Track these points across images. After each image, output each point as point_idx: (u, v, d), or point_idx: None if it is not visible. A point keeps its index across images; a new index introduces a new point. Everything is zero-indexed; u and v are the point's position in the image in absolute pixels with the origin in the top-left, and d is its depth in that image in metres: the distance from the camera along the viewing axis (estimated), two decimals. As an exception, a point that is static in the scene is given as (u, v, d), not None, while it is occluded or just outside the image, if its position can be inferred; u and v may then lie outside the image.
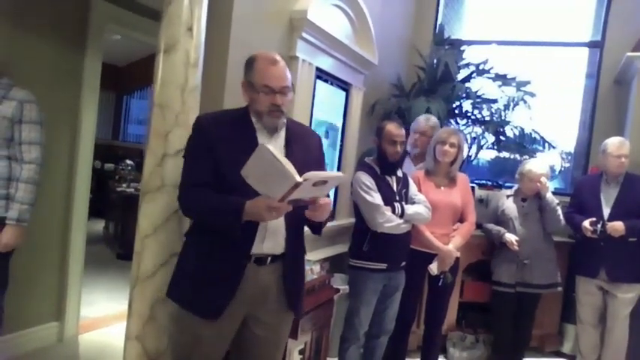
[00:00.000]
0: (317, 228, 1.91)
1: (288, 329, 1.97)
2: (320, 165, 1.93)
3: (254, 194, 1.60)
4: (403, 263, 2.77)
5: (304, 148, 1.84)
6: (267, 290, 1.80)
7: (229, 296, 1.72)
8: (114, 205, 5.95)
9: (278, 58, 1.78)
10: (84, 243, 3.17)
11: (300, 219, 1.82)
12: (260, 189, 1.59)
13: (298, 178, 1.49)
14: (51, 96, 2.79)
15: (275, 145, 1.75)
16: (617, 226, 3.15)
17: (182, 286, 1.80)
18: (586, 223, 3.23)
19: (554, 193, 3.55)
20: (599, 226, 3.19)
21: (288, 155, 1.70)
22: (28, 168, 2.32)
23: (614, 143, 3.29)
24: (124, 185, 5.95)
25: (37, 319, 2.95)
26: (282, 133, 1.83)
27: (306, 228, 1.94)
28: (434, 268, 2.92)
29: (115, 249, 5.58)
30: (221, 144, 1.72)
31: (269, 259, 1.79)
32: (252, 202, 1.60)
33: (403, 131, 2.72)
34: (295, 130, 1.88)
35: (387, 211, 2.62)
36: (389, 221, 2.61)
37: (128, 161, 6.56)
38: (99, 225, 6.35)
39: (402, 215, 2.65)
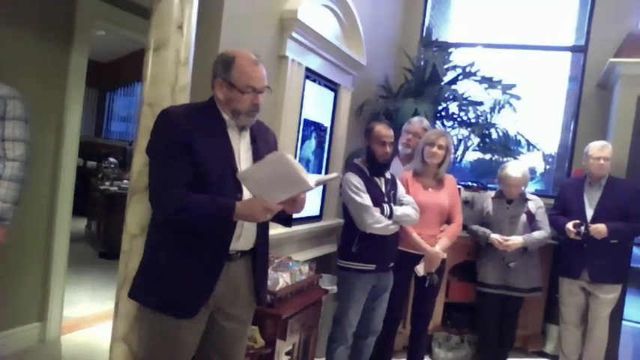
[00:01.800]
0: (288, 220, 1.93)
1: (251, 319, 2.00)
2: None
3: (232, 191, 1.60)
4: (392, 264, 2.78)
5: (266, 145, 1.87)
6: (237, 285, 1.82)
7: (206, 295, 1.72)
8: (96, 204, 5.88)
9: (256, 57, 1.78)
10: (68, 242, 3.12)
11: None
12: (257, 191, 1.59)
13: (312, 184, 1.52)
14: (36, 92, 2.73)
15: (243, 143, 1.79)
16: (600, 229, 3.20)
17: (152, 287, 1.75)
18: (569, 226, 3.29)
19: (536, 194, 3.61)
20: (582, 228, 3.24)
21: (255, 152, 1.76)
22: (12, 165, 2.27)
23: (595, 146, 3.36)
24: (107, 183, 5.88)
25: (19, 319, 2.88)
26: (248, 133, 1.84)
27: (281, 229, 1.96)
28: (420, 269, 2.94)
29: (98, 248, 5.51)
30: (195, 139, 1.68)
31: (239, 254, 1.80)
32: (246, 204, 1.60)
33: (392, 132, 2.74)
34: (257, 128, 1.90)
35: (376, 212, 2.63)
36: (378, 222, 2.62)
37: (111, 159, 6.49)
38: (81, 223, 6.26)
39: (390, 216, 2.66)
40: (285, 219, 1.91)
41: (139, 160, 1.98)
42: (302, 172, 1.51)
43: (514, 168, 3.37)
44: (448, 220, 3.07)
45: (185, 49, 2.01)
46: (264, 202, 1.58)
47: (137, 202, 1.97)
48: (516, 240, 3.25)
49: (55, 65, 2.89)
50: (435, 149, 2.93)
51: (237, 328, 1.89)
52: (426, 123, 3.35)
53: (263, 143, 1.85)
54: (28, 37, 2.70)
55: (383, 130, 2.72)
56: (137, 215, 1.97)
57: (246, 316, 1.93)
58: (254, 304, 1.94)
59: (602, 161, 3.30)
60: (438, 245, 2.96)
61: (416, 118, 3.40)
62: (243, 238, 1.78)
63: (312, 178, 1.56)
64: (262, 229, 1.86)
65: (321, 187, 3.47)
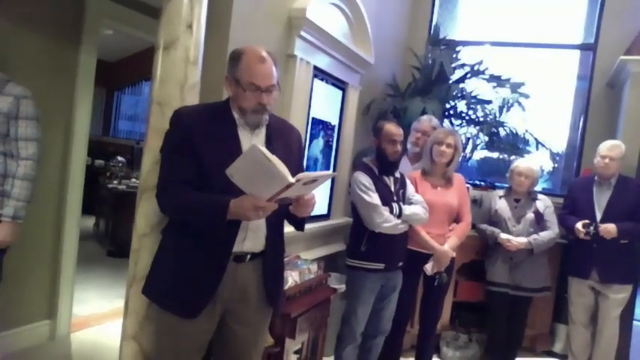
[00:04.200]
0: (300, 223, 1.89)
1: (266, 326, 1.96)
2: (300, 160, 1.92)
3: (237, 191, 1.56)
4: (400, 263, 2.77)
5: (285, 144, 1.81)
6: (245, 288, 1.78)
7: (209, 295, 1.70)
8: (104, 202, 5.90)
9: (265, 55, 1.74)
10: (77, 240, 3.13)
11: (281, 216, 1.81)
12: (246, 188, 1.55)
13: (291, 179, 1.46)
14: (45, 92, 2.74)
15: (256, 141, 1.73)
16: (610, 228, 3.18)
17: (160, 284, 1.77)
18: (579, 225, 3.26)
19: (544, 193, 3.60)
20: (591, 228, 3.22)
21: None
22: (25, 164, 2.28)
23: (605, 144, 3.34)
24: (115, 182, 5.90)
25: (29, 317, 2.90)
26: (263, 129, 1.81)
27: (289, 228, 1.92)
28: (429, 268, 2.94)
29: (106, 246, 5.53)
30: (202, 139, 1.69)
31: (248, 256, 1.77)
32: (238, 202, 1.56)
33: (402, 131, 2.74)
34: (276, 126, 1.86)
35: (385, 211, 2.63)
36: (387, 221, 2.61)
37: (119, 158, 6.50)
38: (89, 222, 6.29)
39: (399, 215, 2.66)
40: (297, 222, 1.88)
41: (149, 159, 1.99)
42: (278, 165, 1.46)
43: (526, 160, 3.49)
44: (457, 219, 3.06)
45: (194, 49, 2.01)
46: (253, 200, 1.53)
47: (146, 201, 1.97)
48: (521, 241, 3.23)
49: (64, 65, 2.90)
50: (443, 148, 2.92)
51: (248, 332, 1.85)
52: (435, 121, 3.34)
53: (282, 143, 1.79)
54: (37, 37, 2.71)
55: (393, 128, 2.71)
56: (146, 214, 1.98)
57: (258, 320, 1.87)
58: (267, 310, 1.88)
59: (607, 160, 3.28)
60: (447, 244, 2.95)
61: (425, 117, 3.39)
62: (250, 239, 1.75)
63: (303, 175, 1.50)
64: (273, 231, 1.81)
65: (328, 186, 3.47)
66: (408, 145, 3.35)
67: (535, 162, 3.52)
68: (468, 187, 3.50)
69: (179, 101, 1.98)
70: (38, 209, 2.80)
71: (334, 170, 3.51)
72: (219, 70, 2.27)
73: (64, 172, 2.99)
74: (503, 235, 3.29)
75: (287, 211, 1.76)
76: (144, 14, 3.23)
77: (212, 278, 1.70)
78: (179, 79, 1.98)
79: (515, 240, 3.24)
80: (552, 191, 4.58)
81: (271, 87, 1.73)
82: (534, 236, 3.26)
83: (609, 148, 3.30)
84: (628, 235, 3.24)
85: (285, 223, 1.92)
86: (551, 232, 3.30)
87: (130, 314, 1.99)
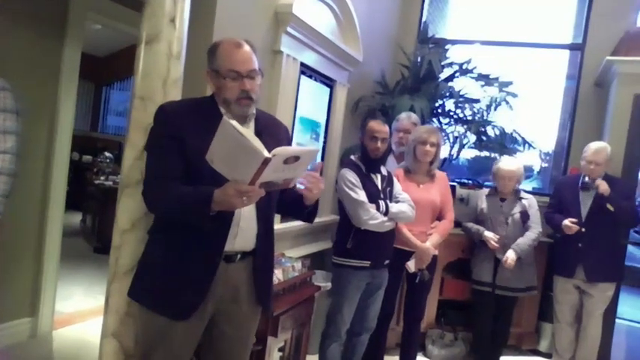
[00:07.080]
0: (310, 213, 1.83)
1: (256, 326, 1.93)
2: None
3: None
4: (387, 262, 2.77)
5: (274, 140, 1.75)
6: (236, 288, 1.76)
7: (201, 296, 1.67)
8: (91, 198, 5.85)
9: (242, 41, 1.71)
10: (60, 236, 3.10)
11: (271, 214, 1.80)
12: (228, 174, 1.49)
13: (266, 154, 1.39)
14: (28, 86, 2.71)
15: None
16: (605, 185, 3.18)
17: (149, 287, 1.72)
18: (566, 222, 3.27)
19: (533, 192, 3.61)
20: (587, 178, 3.23)
21: None
22: (3, 158, 2.24)
23: (591, 148, 3.34)
24: (102, 178, 5.85)
25: (10, 314, 2.87)
26: (252, 125, 1.77)
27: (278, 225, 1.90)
28: (411, 265, 2.94)
29: (92, 242, 5.49)
30: (189, 135, 1.64)
31: (238, 256, 1.74)
32: (221, 189, 1.50)
33: (386, 128, 2.72)
34: (264, 122, 1.83)
35: (372, 208, 2.62)
36: (373, 218, 2.61)
37: (107, 153, 6.45)
38: (76, 218, 6.24)
39: (386, 213, 2.65)
40: (306, 214, 1.83)
41: (131, 155, 1.96)
42: (252, 139, 1.40)
43: (507, 161, 3.42)
44: (440, 217, 3.06)
45: (177, 43, 1.98)
46: (235, 185, 1.46)
47: (128, 197, 1.95)
48: (512, 258, 3.23)
49: (48, 58, 2.86)
50: (427, 147, 2.92)
51: (238, 333, 1.83)
52: (414, 117, 3.33)
53: (270, 138, 1.71)
54: (20, 30, 2.68)
55: (375, 125, 2.69)
56: (128, 210, 1.95)
57: (248, 321, 1.85)
58: (257, 310, 1.86)
59: (592, 166, 3.29)
60: (429, 241, 2.94)
61: (403, 115, 3.36)
62: (240, 237, 1.71)
63: (279, 149, 1.42)
64: (264, 229, 1.77)
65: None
66: (393, 146, 3.33)
67: (517, 162, 3.46)
68: (454, 186, 3.51)
69: (162, 96, 1.95)
70: (21, 205, 2.77)
71: (321, 170, 3.49)
72: (203, 65, 2.22)
73: (47, 168, 2.95)
74: (487, 233, 3.30)
75: (294, 205, 1.77)
76: (130, 8, 3.19)
77: (205, 277, 1.67)
78: (161, 73, 1.96)
79: (508, 261, 3.22)
80: (541, 190, 4.61)
81: (252, 72, 1.68)
82: (515, 246, 3.26)
83: (594, 152, 3.29)
84: (617, 206, 3.20)
85: (275, 220, 1.90)
86: (531, 234, 3.30)
87: (110, 311, 1.97)
